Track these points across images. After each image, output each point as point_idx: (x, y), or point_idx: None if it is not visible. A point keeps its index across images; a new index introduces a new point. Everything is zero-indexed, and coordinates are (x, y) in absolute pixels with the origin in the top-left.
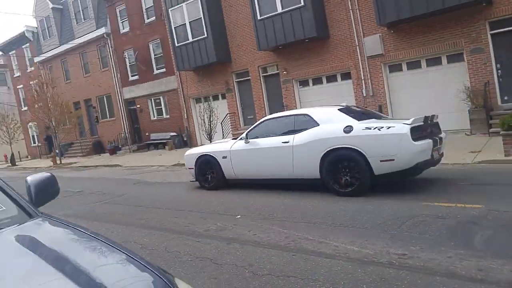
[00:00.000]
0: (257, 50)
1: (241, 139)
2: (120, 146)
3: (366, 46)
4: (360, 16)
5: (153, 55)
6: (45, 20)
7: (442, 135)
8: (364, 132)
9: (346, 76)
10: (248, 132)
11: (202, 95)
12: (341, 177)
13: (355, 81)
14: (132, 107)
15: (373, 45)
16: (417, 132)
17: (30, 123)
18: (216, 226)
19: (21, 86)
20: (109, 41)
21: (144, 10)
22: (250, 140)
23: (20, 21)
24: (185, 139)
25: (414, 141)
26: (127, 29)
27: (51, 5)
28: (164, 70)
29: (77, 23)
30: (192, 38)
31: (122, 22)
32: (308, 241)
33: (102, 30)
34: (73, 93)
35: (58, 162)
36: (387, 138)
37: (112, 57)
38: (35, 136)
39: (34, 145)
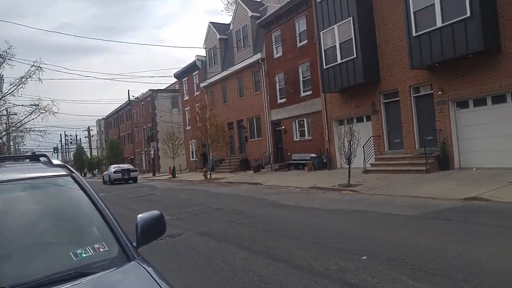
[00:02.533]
0: (409, 68)
1: (107, 170)
2: (263, 165)
3: None
4: None
5: (301, 78)
6: (212, 50)
7: (132, 173)
8: (111, 171)
9: None
10: (108, 168)
11: (346, 117)
12: (111, 181)
13: None
14: (277, 128)
15: None
16: (117, 171)
17: (191, 141)
18: (338, 266)
19: (188, 108)
20: (263, 66)
21: (297, 34)
22: (108, 170)
23: (193, 53)
24: (324, 161)
25: (114, 174)
26: (280, 53)
27: (218, 36)
28: (310, 92)
29: (237, 51)
30: (341, 60)
31: (276, 47)
32: None
33: (257, 56)
34: (229, 114)
35: (208, 176)
36: (111, 172)
37: (264, 81)
38: (194, 152)
39: (192, 159)
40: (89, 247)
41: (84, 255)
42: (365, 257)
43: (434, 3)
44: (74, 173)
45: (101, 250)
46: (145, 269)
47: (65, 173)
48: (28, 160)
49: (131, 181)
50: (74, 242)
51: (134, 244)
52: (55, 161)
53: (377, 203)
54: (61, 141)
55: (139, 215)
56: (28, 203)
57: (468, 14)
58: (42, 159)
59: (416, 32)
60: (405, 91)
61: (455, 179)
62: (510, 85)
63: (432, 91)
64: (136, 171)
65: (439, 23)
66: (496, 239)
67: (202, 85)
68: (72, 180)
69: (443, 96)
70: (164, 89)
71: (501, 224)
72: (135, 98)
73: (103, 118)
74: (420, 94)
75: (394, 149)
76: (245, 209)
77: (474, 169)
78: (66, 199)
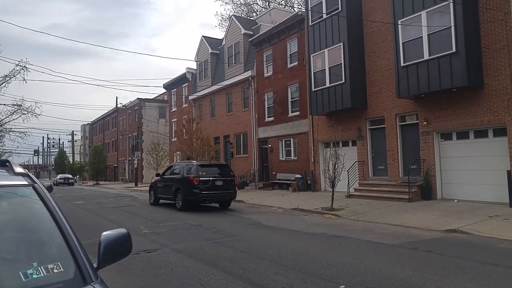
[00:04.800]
0: (396, 97)
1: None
2: (248, 182)
3: None
4: None
5: (290, 98)
6: (203, 63)
7: (70, 180)
8: (57, 178)
9: (500, 132)
10: (57, 175)
11: (332, 140)
12: (57, 183)
13: None
14: (264, 146)
15: None
16: (61, 178)
17: (175, 153)
18: None
19: (175, 119)
20: (252, 83)
21: (288, 55)
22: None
23: (183, 64)
24: (309, 182)
25: (59, 179)
26: (270, 72)
27: (210, 50)
28: (298, 113)
29: (228, 66)
30: (330, 83)
31: (266, 66)
32: None
33: (248, 73)
34: (216, 129)
35: None
36: (57, 178)
37: (253, 98)
38: None
39: None
40: (41, 267)
41: (35, 276)
42: (343, 286)
43: (422, 37)
44: (36, 183)
45: (55, 271)
46: None
47: (26, 183)
48: None
49: (71, 185)
50: (25, 260)
51: (95, 265)
52: (18, 169)
53: (358, 230)
54: (42, 144)
55: (104, 233)
56: None
57: (454, 49)
58: (7, 164)
59: (404, 63)
60: (391, 119)
61: (437, 209)
62: (492, 121)
63: (417, 121)
64: (73, 179)
65: (426, 56)
66: (475, 274)
67: (190, 97)
68: (33, 191)
69: (428, 127)
70: (152, 98)
71: (481, 259)
72: (123, 106)
73: (88, 124)
74: (406, 123)
75: (378, 175)
76: (225, 227)
77: (455, 200)
78: (24, 211)
